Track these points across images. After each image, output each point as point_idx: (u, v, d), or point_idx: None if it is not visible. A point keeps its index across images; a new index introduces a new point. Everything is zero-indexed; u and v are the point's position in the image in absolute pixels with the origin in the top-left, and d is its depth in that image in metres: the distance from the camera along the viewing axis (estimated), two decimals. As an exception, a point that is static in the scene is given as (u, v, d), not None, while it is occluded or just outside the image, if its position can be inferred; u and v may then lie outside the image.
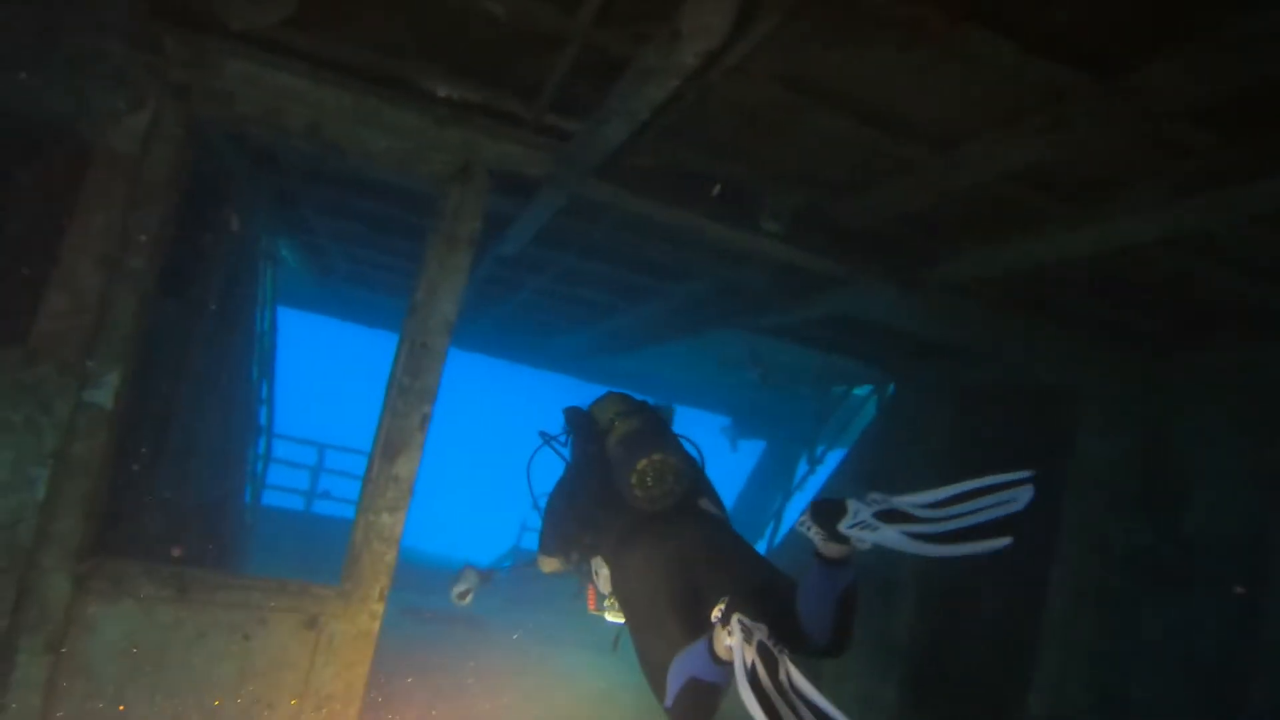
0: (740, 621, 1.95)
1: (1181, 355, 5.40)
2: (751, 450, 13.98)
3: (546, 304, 8.41)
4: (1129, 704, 5.35)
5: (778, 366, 8.42)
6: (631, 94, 3.15)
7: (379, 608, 4.04)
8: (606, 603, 3.14)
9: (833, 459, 9.30)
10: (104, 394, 3.58)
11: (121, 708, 3.60)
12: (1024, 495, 2.12)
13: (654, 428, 3.06)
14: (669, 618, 2.47)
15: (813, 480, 9.51)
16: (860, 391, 9.66)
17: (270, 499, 9.79)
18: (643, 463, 2.81)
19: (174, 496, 5.48)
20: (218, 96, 3.79)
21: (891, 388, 8.22)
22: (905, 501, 2.20)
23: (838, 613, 2.35)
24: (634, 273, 6.40)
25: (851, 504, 2.27)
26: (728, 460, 15.47)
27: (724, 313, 6.67)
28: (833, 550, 2.32)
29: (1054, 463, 6.30)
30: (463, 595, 3.68)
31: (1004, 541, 2.07)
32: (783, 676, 1.86)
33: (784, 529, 9.23)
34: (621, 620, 2.96)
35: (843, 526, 2.25)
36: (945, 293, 4.90)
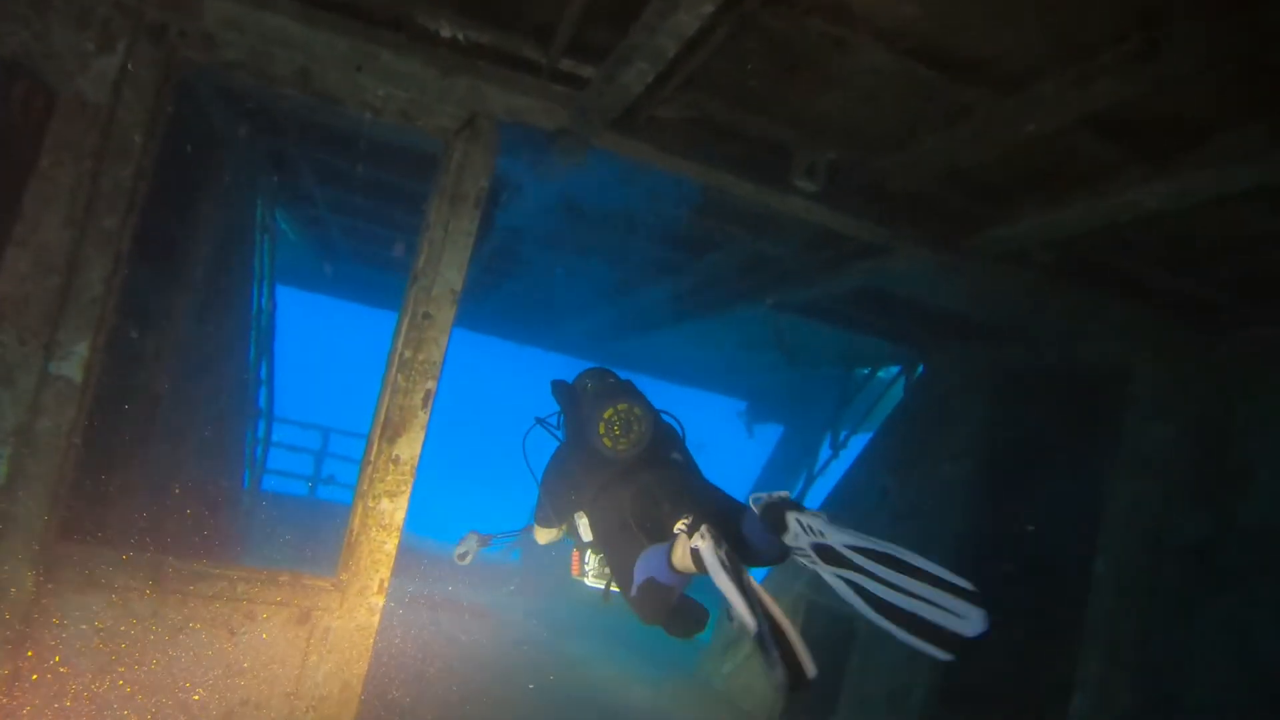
0: (709, 530, 2.22)
1: (1243, 331, 5.00)
2: (768, 436, 13.61)
3: (560, 281, 8.04)
4: (1181, 707, 4.99)
5: (800, 347, 8.03)
6: (659, 25, 2.77)
7: (378, 600, 3.70)
8: (588, 567, 3.29)
9: (856, 444, 8.92)
10: (72, 366, 3.24)
11: (94, 706, 3.28)
12: (974, 620, 2.09)
13: (624, 387, 3.24)
14: (638, 535, 2.70)
15: (835, 466, 9.16)
16: (886, 374, 9.28)
17: (271, 484, 9.50)
18: (609, 411, 2.97)
19: (164, 481, 5.16)
20: (197, 39, 3.43)
21: (920, 369, 7.83)
22: (837, 539, 2.27)
23: (776, 549, 2.48)
24: (654, 246, 6.01)
25: (792, 524, 2.37)
26: (744, 446, 15.12)
27: (748, 287, 6.29)
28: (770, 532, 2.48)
29: (1097, 449, 5.93)
30: (463, 556, 3.84)
31: (947, 656, 2.11)
32: (747, 582, 2.14)
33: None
34: (599, 585, 3.20)
35: (787, 540, 2.39)
36: (989, 262, 4.50)
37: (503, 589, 10.93)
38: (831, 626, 7.71)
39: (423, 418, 3.73)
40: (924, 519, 6.99)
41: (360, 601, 3.68)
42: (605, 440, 2.98)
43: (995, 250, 4.37)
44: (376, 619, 3.70)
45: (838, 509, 8.02)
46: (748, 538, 2.57)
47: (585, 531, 3.19)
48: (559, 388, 3.53)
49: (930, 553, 6.45)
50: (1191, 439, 5.14)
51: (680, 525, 2.40)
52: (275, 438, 8.64)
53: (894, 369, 8.62)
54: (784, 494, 2.54)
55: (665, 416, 3.30)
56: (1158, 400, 5.26)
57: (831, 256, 5.24)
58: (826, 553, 2.29)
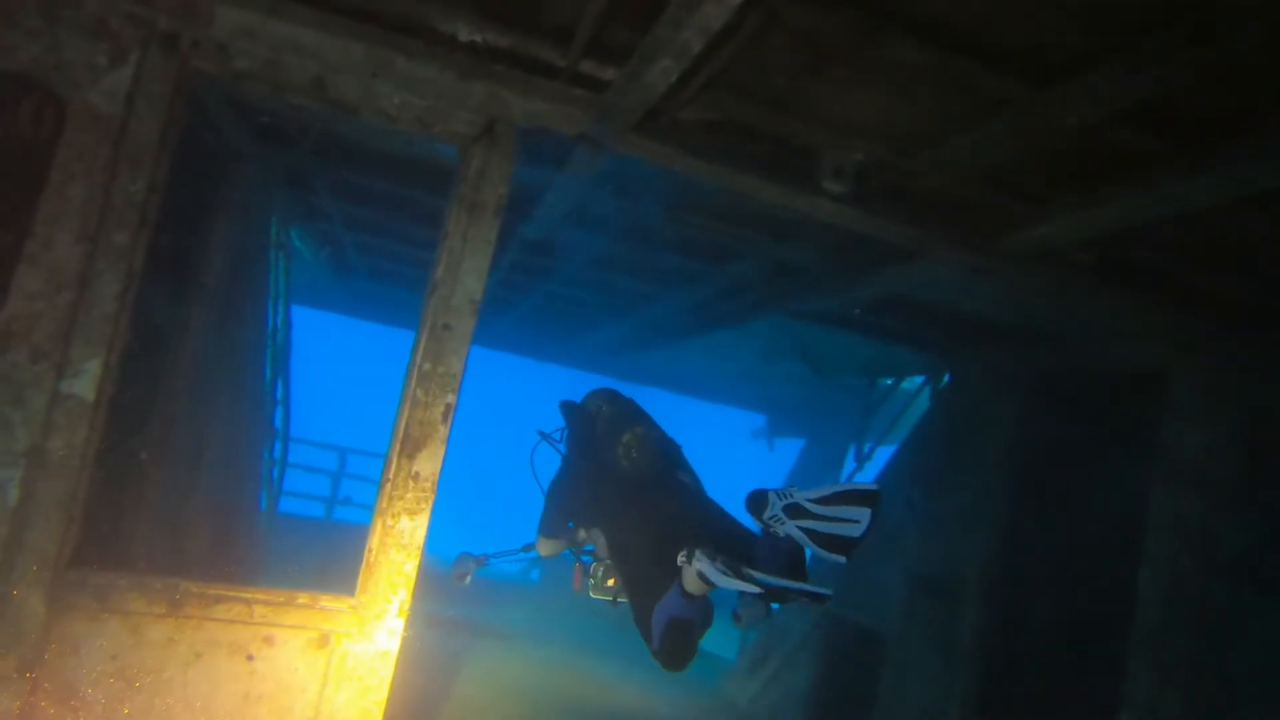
0: (703, 552, 2.49)
1: (1288, 330, 4.82)
2: (789, 449, 13.45)
3: (577, 294, 7.94)
4: (1236, 724, 4.78)
5: (823, 357, 7.88)
6: (684, 19, 2.67)
7: (398, 624, 3.57)
8: (591, 581, 3.45)
9: (881, 456, 8.76)
10: (84, 384, 3.15)
11: (109, 739, 3.17)
12: (864, 522, 2.49)
13: (636, 410, 3.47)
14: (653, 572, 2.82)
15: (860, 478, 8.95)
16: (910, 384, 9.10)
17: (288, 506, 9.40)
18: (627, 436, 3.23)
19: (181, 502, 5.07)
20: (210, 49, 3.36)
21: (947, 377, 7.66)
22: (802, 495, 2.60)
23: (788, 564, 2.66)
24: (674, 255, 5.89)
25: (770, 497, 2.67)
26: (764, 459, 14.93)
27: (770, 296, 6.16)
28: (770, 528, 2.70)
29: (1135, 456, 5.75)
30: (461, 577, 3.86)
31: (842, 559, 2.53)
32: (746, 571, 2.45)
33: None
34: (605, 598, 3.41)
35: (765, 517, 2.66)
36: (1023, 263, 4.36)
37: (522, 609, 10.77)
38: (862, 641, 7.52)
39: (443, 432, 3.62)
40: (953, 531, 6.81)
41: (379, 624, 3.55)
42: (624, 461, 3.21)
43: (1029, 251, 4.23)
44: (397, 643, 3.57)
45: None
46: (758, 562, 2.72)
47: (601, 550, 3.38)
48: (568, 407, 3.69)
49: (962, 565, 6.25)
50: (1235, 445, 4.95)
51: (680, 559, 2.61)
52: (292, 459, 8.56)
53: (918, 379, 8.46)
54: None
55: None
56: (1198, 405, 5.09)
57: (857, 262, 5.11)
58: (793, 509, 2.60)
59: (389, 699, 3.56)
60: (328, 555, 7.09)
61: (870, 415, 9.15)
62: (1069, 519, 6.48)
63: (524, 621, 10.56)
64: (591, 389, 3.72)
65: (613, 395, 3.59)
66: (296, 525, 9.17)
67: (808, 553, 2.62)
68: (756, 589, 2.42)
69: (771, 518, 2.64)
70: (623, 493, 3.20)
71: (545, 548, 3.61)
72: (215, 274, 5.03)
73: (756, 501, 2.70)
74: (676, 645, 2.69)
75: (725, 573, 2.41)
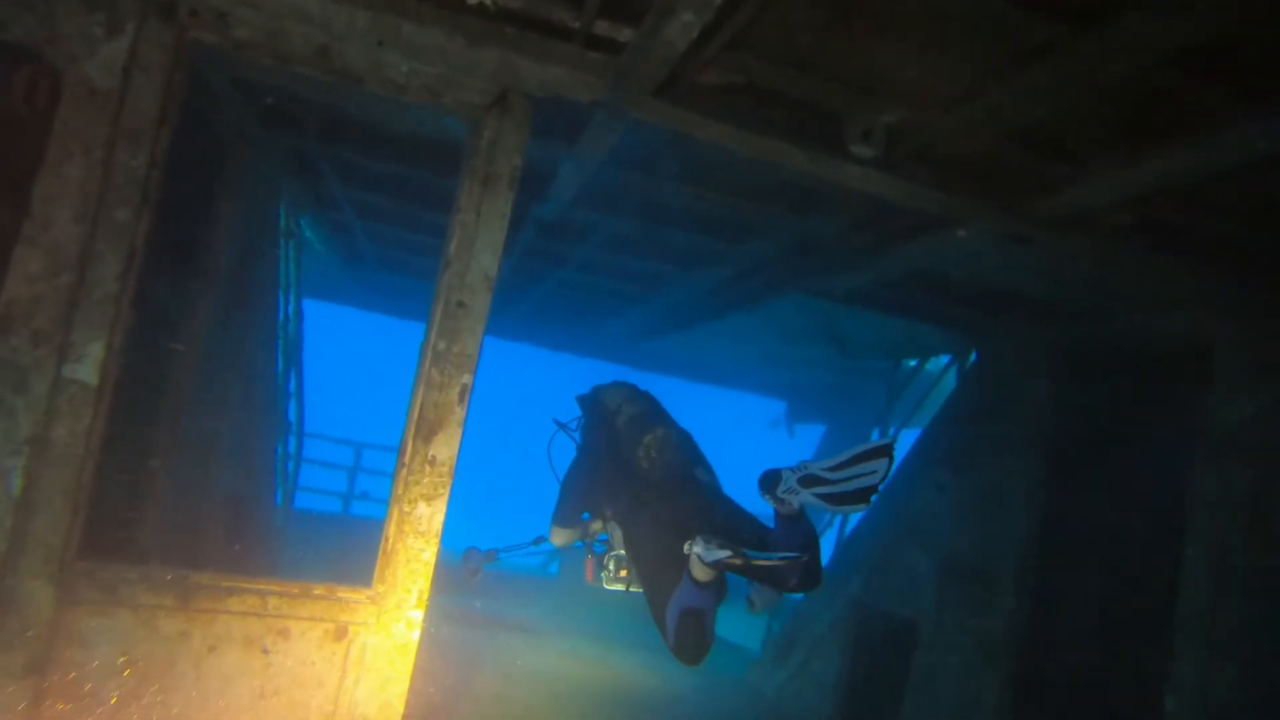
0: (701, 538, 2.64)
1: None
2: (810, 436, 13.27)
3: (593, 280, 7.78)
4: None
5: (847, 337, 7.67)
6: (705, -35, 2.51)
7: (418, 614, 3.44)
8: (604, 573, 3.47)
9: (907, 439, 8.54)
10: (87, 368, 3.03)
11: (122, 736, 3.05)
12: (881, 469, 2.63)
13: (656, 409, 3.53)
14: (667, 567, 2.88)
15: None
16: (935, 366, 8.89)
17: (304, 501, 9.30)
18: (649, 437, 3.32)
19: (193, 494, 4.96)
20: (209, 17, 3.22)
21: (974, 355, 7.46)
22: (816, 466, 2.73)
23: (802, 553, 2.76)
24: (693, 234, 5.72)
25: (784, 472, 2.79)
26: (784, 447, 14.73)
27: (792, 275, 5.99)
28: (783, 509, 2.81)
29: (1176, 430, 5.54)
30: (472, 573, 3.80)
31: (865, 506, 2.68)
32: (742, 552, 2.62)
33: (854, 517, 8.51)
34: (618, 588, 3.47)
35: (779, 492, 2.77)
36: (1059, 228, 4.16)
37: (543, 602, 10.65)
38: (890, 628, 7.35)
39: (459, 414, 3.48)
40: (985, 514, 6.62)
41: (398, 615, 3.42)
42: (644, 462, 3.29)
43: (1067, 215, 4.03)
44: (416, 633, 3.44)
45: (893, 506, 7.66)
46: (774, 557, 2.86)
47: (617, 543, 3.43)
48: (585, 400, 3.76)
49: (995, 549, 6.11)
50: (1284, 415, 4.74)
51: (686, 549, 2.71)
52: (307, 453, 8.46)
53: (944, 359, 8.25)
54: None
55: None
56: (1246, 373, 4.88)
57: (884, 235, 4.93)
58: (808, 479, 2.71)
59: (409, 691, 3.44)
60: (345, 550, 6.98)
61: (895, 398, 8.95)
62: (1106, 498, 6.28)
63: (545, 614, 10.44)
64: (608, 382, 3.77)
65: (632, 392, 3.63)
66: (313, 520, 9.06)
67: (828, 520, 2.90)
68: (739, 561, 2.58)
69: (786, 490, 2.75)
70: (640, 490, 3.25)
71: (558, 537, 3.65)
72: (223, 261, 4.91)
73: (769, 479, 2.81)
74: (690, 636, 2.80)
75: (715, 548, 2.59)
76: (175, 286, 4.60)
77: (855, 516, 8.55)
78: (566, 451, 3.71)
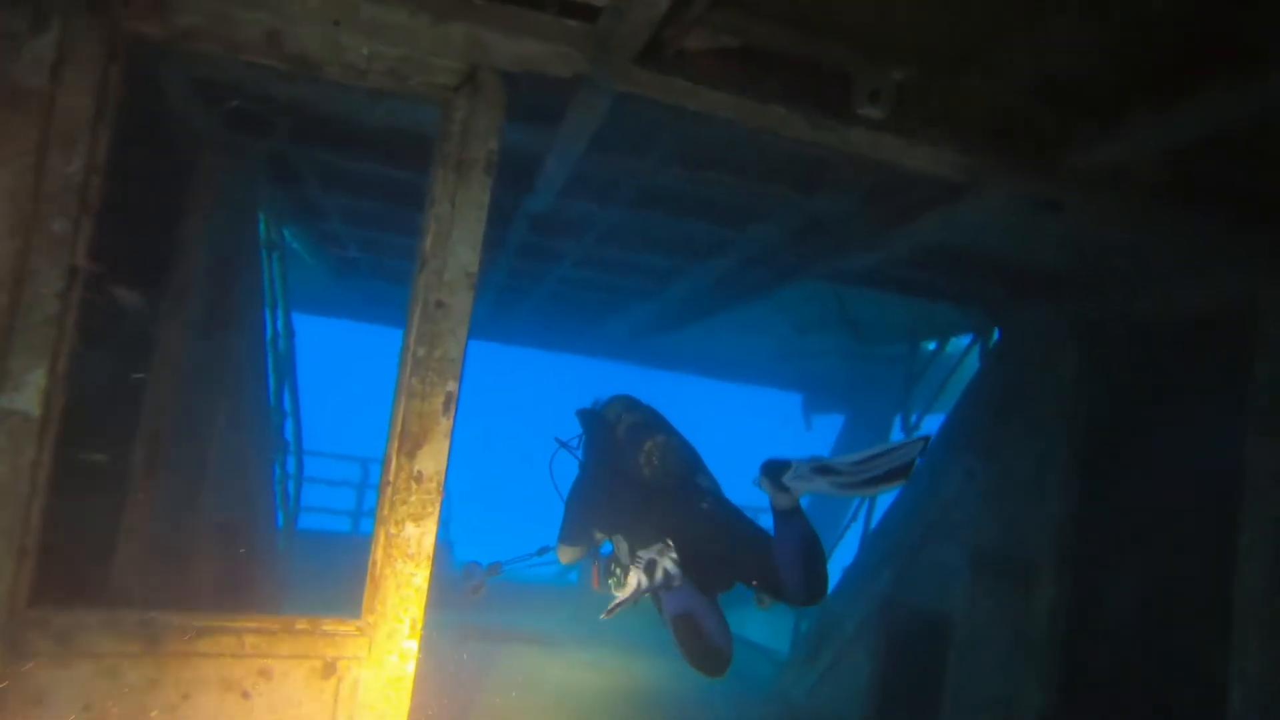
0: (661, 549, 2.86)
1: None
2: (828, 427, 12.90)
3: (592, 277, 7.46)
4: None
5: (861, 321, 7.32)
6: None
7: (411, 645, 3.15)
8: (611, 580, 3.38)
9: (929, 426, 8.21)
10: (27, 398, 2.74)
11: (90, 800, 2.76)
12: (915, 447, 2.62)
13: (656, 418, 3.54)
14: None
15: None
16: (955, 348, 8.53)
17: (311, 522, 9.03)
18: (649, 444, 3.29)
19: (179, 526, 4.68)
20: (145, 6, 2.93)
21: (997, 334, 7.10)
22: (837, 460, 2.68)
23: (805, 560, 2.81)
24: (692, 221, 5.40)
25: (795, 462, 2.78)
26: (800, 442, 14.39)
27: (801, 259, 5.67)
28: (781, 502, 2.84)
29: (1218, 405, 5.18)
30: (475, 590, 3.79)
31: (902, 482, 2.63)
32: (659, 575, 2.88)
33: (879, 510, 8.17)
34: (623, 595, 3.28)
35: (785, 479, 2.77)
36: (1087, 188, 3.82)
37: (561, 613, 10.35)
38: (921, 625, 7.01)
39: (445, 425, 3.18)
40: (1017, 502, 6.26)
41: (390, 646, 3.13)
42: (645, 470, 3.28)
43: (1098, 173, 3.69)
44: (411, 666, 3.15)
45: (919, 497, 7.32)
46: (779, 566, 2.89)
47: (625, 555, 3.38)
48: (586, 415, 3.75)
49: (1030, 539, 5.88)
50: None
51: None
52: (310, 473, 8.19)
53: (965, 340, 7.89)
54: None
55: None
56: (1294, 340, 4.52)
57: (896, 209, 4.60)
58: (822, 469, 2.71)
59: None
60: (357, 570, 6.68)
61: (914, 383, 8.59)
62: (1148, 479, 5.92)
63: (564, 625, 10.15)
64: (609, 396, 3.80)
65: (631, 402, 3.67)
66: (320, 541, 8.78)
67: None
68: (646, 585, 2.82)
69: (795, 477, 2.75)
70: (643, 499, 3.28)
71: (565, 555, 3.63)
72: (197, 276, 4.63)
73: (776, 466, 2.83)
74: (690, 640, 2.87)
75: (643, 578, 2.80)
76: (147, 305, 4.33)
77: (881, 506, 8.22)
78: (569, 469, 3.70)
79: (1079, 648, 5.90)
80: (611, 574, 3.43)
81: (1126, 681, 5.91)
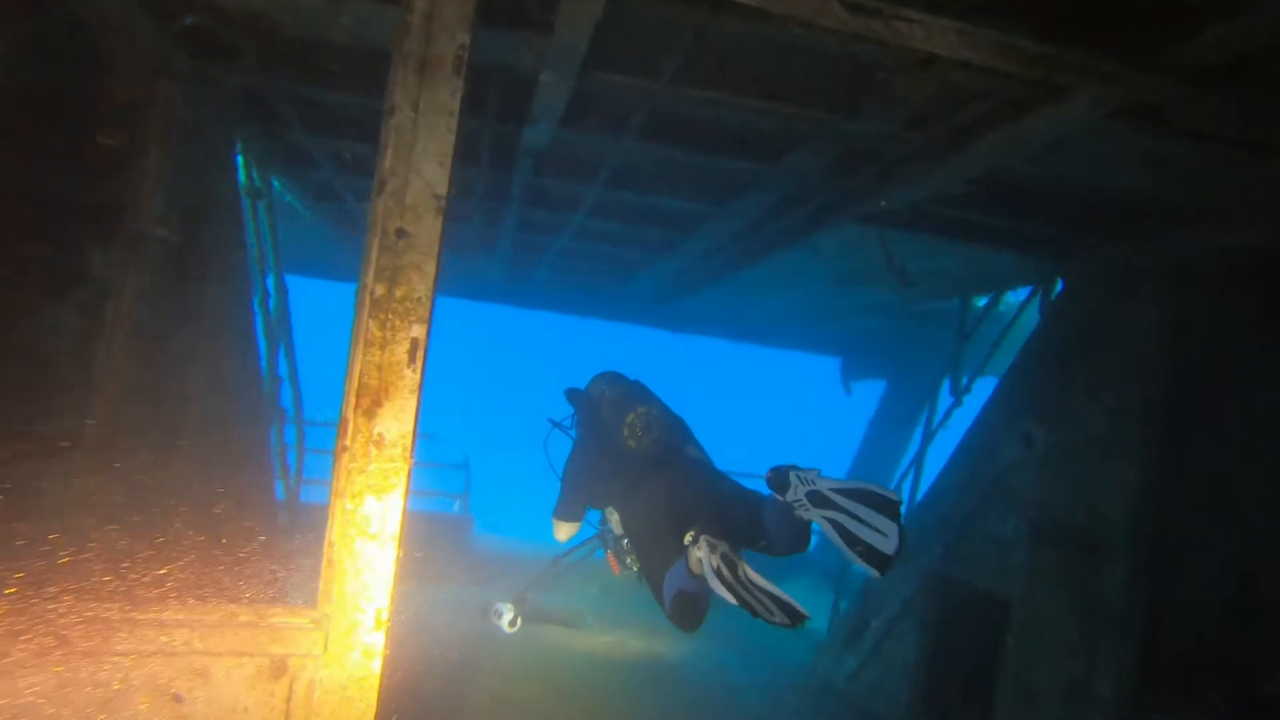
0: (706, 539, 2.75)
1: None
2: (869, 394, 12.22)
3: (611, 228, 6.86)
4: None
5: (906, 270, 6.62)
6: None
7: (377, 640, 2.64)
8: (628, 559, 3.46)
9: (981, 389, 7.52)
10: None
11: (-6, 823, 2.31)
12: (892, 538, 2.62)
13: (640, 391, 3.59)
14: (664, 543, 3.03)
15: (960, 414, 7.71)
16: (1008, 305, 7.81)
17: (317, 495, 8.60)
18: (631, 416, 3.36)
19: (149, 499, 4.24)
20: None
21: (1060, 284, 6.39)
22: (823, 485, 2.77)
23: (795, 526, 2.94)
24: (718, 156, 4.75)
25: (793, 479, 2.88)
26: (843, 406, 13.71)
27: (841, 197, 5.03)
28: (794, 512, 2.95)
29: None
30: (511, 624, 3.83)
31: (875, 574, 2.67)
32: (741, 574, 2.65)
33: (927, 478, 7.55)
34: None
35: (789, 498, 2.87)
36: (1198, 86, 3.14)
37: (586, 591, 9.90)
38: (975, 604, 6.41)
39: (411, 378, 2.64)
40: (1084, 467, 5.61)
41: (351, 641, 2.62)
42: (630, 442, 3.34)
43: (1213, 63, 3.02)
44: (377, 664, 2.64)
45: (972, 464, 6.68)
46: (768, 526, 3.01)
47: (617, 526, 3.46)
48: (574, 394, 3.81)
49: (1099, 508, 5.27)
50: None
51: (688, 538, 2.85)
52: (313, 443, 7.75)
53: (1022, 293, 7.17)
54: (791, 464, 2.96)
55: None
56: None
57: (953, 130, 3.95)
58: (816, 498, 2.75)
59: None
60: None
61: (965, 342, 7.89)
62: (1232, 440, 5.23)
63: (590, 604, 9.71)
64: (595, 374, 3.81)
65: (615, 377, 3.72)
66: (326, 513, 8.38)
67: (814, 528, 2.84)
68: (734, 602, 2.59)
69: (796, 502, 2.81)
70: (632, 470, 3.33)
71: (561, 531, 3.63)
72: (158, 222, 4.13)
73: (779, 480, 2.90)
74: (687, 613, 2.91)
75: (715, 574, 2.62)
76: (101, 254, 3.86)
77: (928, 476, 7.60)
78: (563, 448, 3.74)
79: (1155, 626, 5.26)
80: (629, 553, 3.46)
81: (1209, 668, 5.28)
